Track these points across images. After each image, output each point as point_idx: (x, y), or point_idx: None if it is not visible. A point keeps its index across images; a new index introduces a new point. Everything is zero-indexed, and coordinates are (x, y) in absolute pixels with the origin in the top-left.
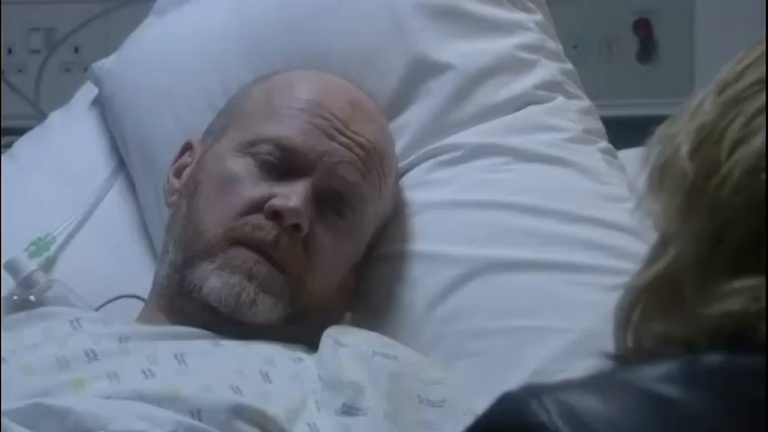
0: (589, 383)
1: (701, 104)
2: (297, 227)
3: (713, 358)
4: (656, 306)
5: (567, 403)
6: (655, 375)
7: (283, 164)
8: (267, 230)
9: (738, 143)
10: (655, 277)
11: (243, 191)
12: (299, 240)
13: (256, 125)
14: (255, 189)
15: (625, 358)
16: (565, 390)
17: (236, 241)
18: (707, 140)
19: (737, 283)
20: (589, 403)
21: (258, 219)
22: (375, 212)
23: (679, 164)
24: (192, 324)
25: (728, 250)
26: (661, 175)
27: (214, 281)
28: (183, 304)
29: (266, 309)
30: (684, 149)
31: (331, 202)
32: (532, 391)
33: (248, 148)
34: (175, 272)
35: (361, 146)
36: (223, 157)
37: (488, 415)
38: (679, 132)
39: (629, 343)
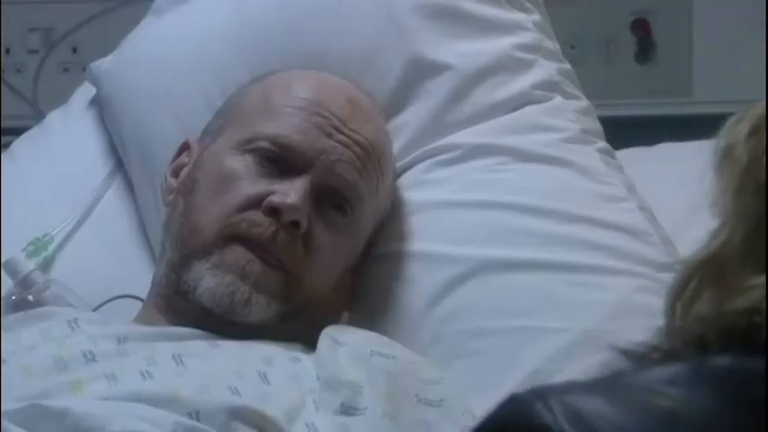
0: (596, 385)
1: None
2: (295, 224)
3: (722, 360)
4: (707, 285)
5: (572, 405)
6: (662, 378)
7: (281, 161)
8: (264, 227)
9: None
10: (708, 256)
11: (241, 187)
12: (298, 237)
13: (254, 123)
14: (253, 186)
15: (634, 354)
16: (571, 392)
17: (233, 238)
18: (764, 124)
19: (755, 279)
20: (595, 406)
21: (255, 215)
22: (373, 210)
23: (737, 147)
24: (189, 324)
25: (765, 236)
26: (721, 159)
27: (208, 281)
28: (179, 304)
29: (260, 308)
30: (743, 133)
31: (329, 199)
32: (538, 393)
33: (246, 145)
34: (172, 271)
35: (358, 144)
36: (221, 155)
37: (494, 416)
38: (743, 120)
39: (678, 319)
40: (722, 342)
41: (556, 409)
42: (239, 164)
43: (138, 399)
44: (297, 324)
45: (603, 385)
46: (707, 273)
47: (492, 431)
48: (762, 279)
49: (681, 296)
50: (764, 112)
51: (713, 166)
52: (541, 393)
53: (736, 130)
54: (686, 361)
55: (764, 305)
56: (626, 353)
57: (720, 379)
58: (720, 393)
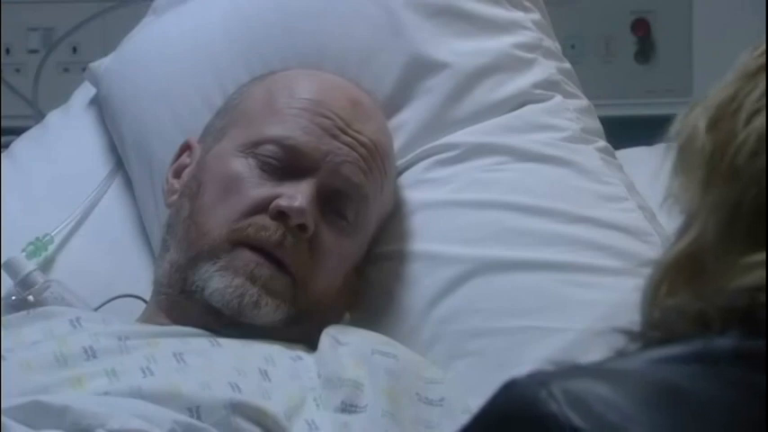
0: (597, 370)
1: (717, 87)
2: (302, 227)
3: (724, 342)
4: (681, 283)
5: (576, 392)
6: (664, 360)
7: (287, 164)
8: (272, 231)
9: (755, 113)
10: (679, 254)
11: (247, 191)
12: (305, 241)
13: (259, 125)
14: (260, 189)
15: (639, 335)
16: (573, 378)
17: (240, 242)
18: (725, 113)
19: (754, 257)
20: (599, 391)
21: (263, 219)
22: (377, 211)
23: (698, 139)
24: (193, 324)
25: (747, 218)
26: (682, 155)
27: (217, 282)
28: (184, 304)
29: (269, 311)
30: (702, 125)
31: (334, 201)
32: (540, 380)
33: (251, 148)
34: (177, 271)
35: (363, 145)
36: (225, 157)
37: (495, 403)
38: (696, 114)
39: (655, 321)
40: (724, 321)
41: (559, 397)
42: (244, 166)
43: (139, 395)
44: (301, 328)
45: (605, 369)
46: (679, 272)
47: (494, 420)
48: (762, 256)
49: (656, 297)
50: (721, 101)
51: (671, 164)
52: (543, 380)
53: (692, 124)
54: (688, 342)
55: (765, 285)
56: (628, 333)
57: (724, 362)
58: (724, 377)
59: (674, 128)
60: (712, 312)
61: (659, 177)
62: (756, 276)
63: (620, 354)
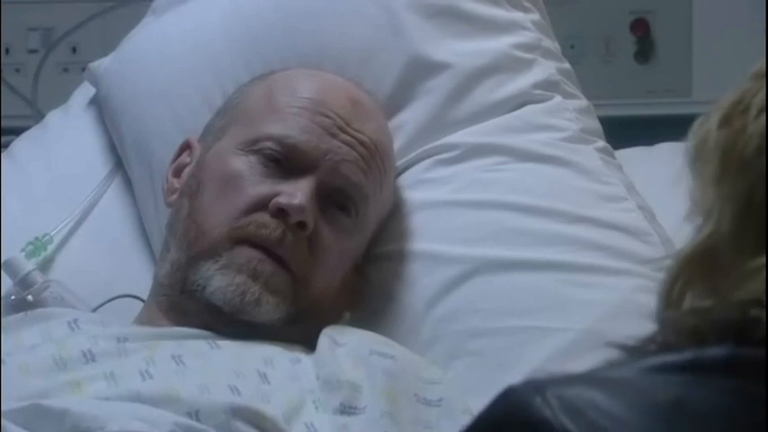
0: (592, 378)
1: (732, 90)
2: (302, 224)
3: (717, 352)
4: (698, 278)
5: (570, 399)
6: (658, 368)
7: (286, 162)
8: (272, 228)
9: (762, 110)
10: (696, 248)
11: (247, 189)
12: (304, 238)
13: (259, 124)
14: (259, 187)
15: (633, 349)
16: (568, 385)
17: (241, 240)
18: (736, 110)
19: (756, 262)
20: (593, 398)
21: (263, 217)
22: (376, 210)
23: (711, 137)
24: (193, 324)
25: (758, 213)
26: (696, 155)
27: (218, 280)
28: (184, 304)
29: (270, 308)
30: (715, 122)
31: (334, 200)
32: (536, 387)
33: (251, 146)
34: (178, 271)
35: (363, 144)
36: (225, 155)
37: (491, 410)
38: (711, 115)
39: (669, 315)
40: (718, 334)
41: (554, 403)
42: (244, 164)
43: (138, 399)
44: (301, 327)
45: (600, 377)
46: (697, 267)
47: (490, 425)
48: (761, 260)
49: (671, 293)
50: (733, 100)
51: (688, 165)
52: (539, 387)
53: (706, 126)
54: (681, 352)
55: (764, 296)
56: (622, 347)
57: (717, 368)
58: (717, 383)
59: (691, 133)
60: (706, 328)
61: (678, 181)
62: (752, 288)
63: (615, 363)
